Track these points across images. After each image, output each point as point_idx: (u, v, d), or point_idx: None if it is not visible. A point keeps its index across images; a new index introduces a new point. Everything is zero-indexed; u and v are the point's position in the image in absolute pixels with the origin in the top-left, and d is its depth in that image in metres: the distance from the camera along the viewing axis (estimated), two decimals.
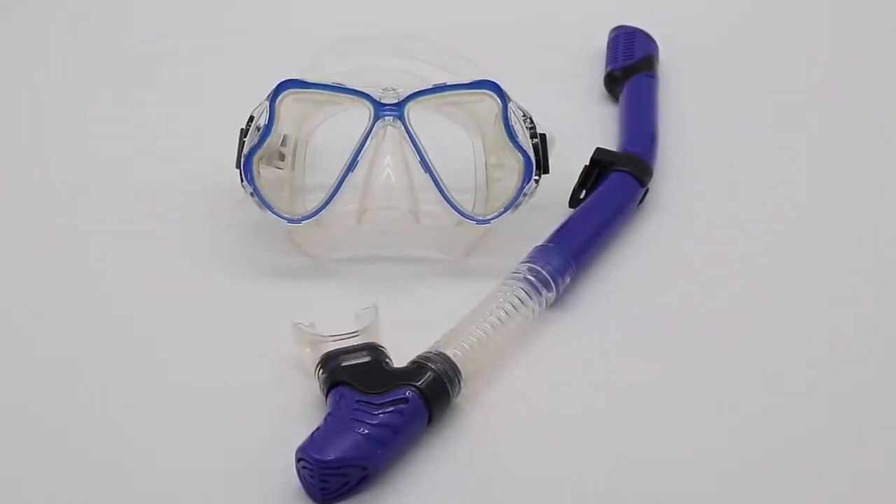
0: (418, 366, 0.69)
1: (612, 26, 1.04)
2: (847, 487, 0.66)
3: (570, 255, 0.77)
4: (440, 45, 0.90)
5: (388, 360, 0.70)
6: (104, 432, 0.69)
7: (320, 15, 1.08)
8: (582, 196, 0.84)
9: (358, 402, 0.67)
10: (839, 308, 0.78)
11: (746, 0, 1.12)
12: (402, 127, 0.77)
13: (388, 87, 0.78)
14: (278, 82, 0.78)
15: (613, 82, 0.98)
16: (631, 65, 0.98)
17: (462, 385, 0.70)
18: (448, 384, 0.69)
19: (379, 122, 0.77)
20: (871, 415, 0.71)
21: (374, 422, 0.66)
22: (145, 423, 0.70)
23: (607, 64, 1.01)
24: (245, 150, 0.78)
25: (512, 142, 0.78)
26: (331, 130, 0.83)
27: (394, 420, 0.66)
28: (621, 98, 0.96)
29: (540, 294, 0.75)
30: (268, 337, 0.74)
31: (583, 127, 0.95)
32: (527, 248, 0.78)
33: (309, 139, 0.84)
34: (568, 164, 0.84)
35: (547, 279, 0.76)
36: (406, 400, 0.67)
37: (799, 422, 0.70)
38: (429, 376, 0.68)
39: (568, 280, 0.77)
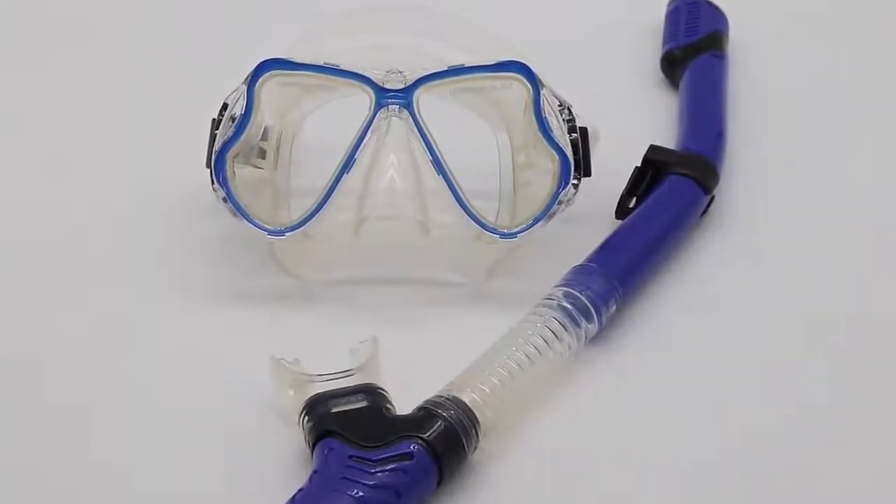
0: (426, 413, 0.69)
1: None
2: None
3: (616, 277, 0.77)
4: (459, 18, 0.90)
5: (389, 405, 0.70)
6: (52, 484, 0.70)
7: None
8: (631, 205, 0.84)
9: (351, 457, 0.66)
10: None
11: None
12: (410, 118, 0.77)
13: (394, 68, 0.78)
14: (259, 62, 0.77)
15: (672, 64, 0.98)
16: (694, 43, 0.98)
17: (480, 437, 0.70)
18: (463, 436, 0.69)
19: (381, 112, 0.77)
20: None
21: (371, 482, 0.66)
22: (90, 481, 0.70)
23: (665, 41, 1.01)
24: (217, 146, 0.78)
25: (545, 137, 0.77)
26: (322, 122, 0.83)
27: (395, 480, 0.66)
28: (682, 84, 0.96)
29: (578, 326, 0.75)
30: (242, 375, 0.74)
31: (634, 119, 0.95)
32: (562, 269, 0.78)
33: (295, 133, 0.84)
34: (614, 165, 0.84)
35: (587, 307, 0.75)
36: (411, 455, 0.67)
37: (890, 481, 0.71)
38: (439, 426, 0.68)
39: (613, 309, 0.77)
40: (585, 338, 0.75)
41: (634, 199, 0.84)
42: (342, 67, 0.77)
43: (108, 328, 0.79)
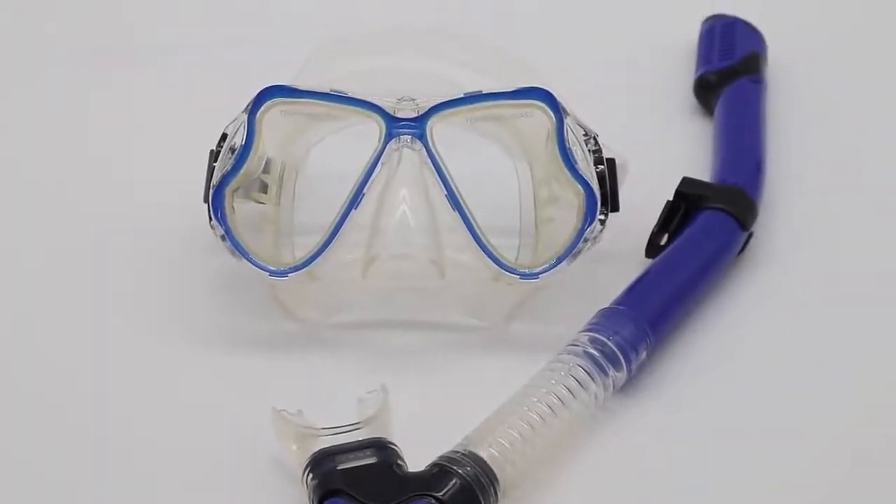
0: (441, 470, 0.69)
1: (706, 15, 1.04)
2: None
3: (647, 321, 0.77)
4: (477, 40, 0.90)
5: (400, 461, 0.70)
6: None
7: (323, 4, 1.10)
8: (663, 242, 0.84)
9: None
10: None
11: None
12: (423, 149, 0.77)
13: (406, 95, 0.78)
14: (260, 89, 0.77)
15: (707, 89, 0.99)
16: (730, 66, 0.98)
17: (499, 496, 0.69)
18: (480, 495, 0.68)
19: (392, 143, 0.77)
20: None
21: None
22: None
23: (699, 65, 1.01)
24: (215, 179, 0.78)
25: (569, 169, 0.77)
26: (329, 153, 0.83)
27: None
28: (717, 110, 0.96)
29: (606, 374, 0.74)
30: (241, 427, 0.74)
31: (665, 149, 0.95)
32: (588, 312, 0.78)
33: (300, 165, 0.84)
34: (644, 200, 0.84)
35: (615, 354, 0.75)
36: None
37: None
38: (454, 484, 0.68)
39: (643, 355, 0.77)
40: (614, 387, 0.75)
41: (666, 236, 0.84)
42: (350, 95, 0.77)
43: (97, 375, 0.79)
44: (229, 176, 0.77)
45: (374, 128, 0.77)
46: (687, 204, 0.84)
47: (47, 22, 1.09)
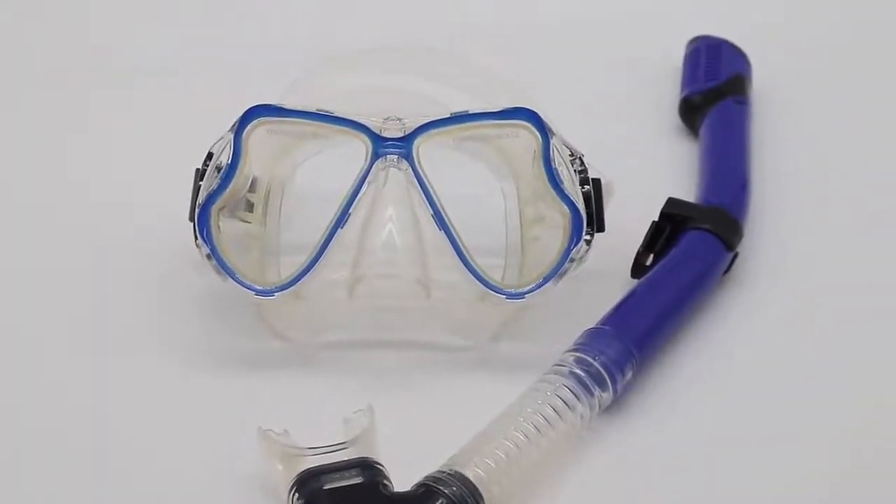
0: (427, 490, 0.68)
1: (691, 36, 1.04)
2: None
3: (633, 341, 0.77)
4: (464, 59, 0.91)
5: (386, 481, 0.69)
6: None
7: (312, 22, 1.11)
8: (648, 262, 0.84)
9: None
10: None
11: (866, 3, 1.13)
12: (410, 168, 0.77)
13: (392, 115, 0.78)
14: (246, 108, 0.77)
15: (692, 110, 0.99)
16: (715, 87, 0.99)
17: None
18: None
19: (379, 162, 0.77)
20: None
21: None
22: None
23: (684, 86, 1.01)
24: (201, 198, 0.78)
25: (555, 189, 0.77)
26: (315, 172, 0.83)
27: None
28: (702, 131, 0.97)
29: (591, 394, 0.74)
30: (226, 447, 0.74)
31: (650, 170, 0.95)
32: (574, 332, 0.78)
33: (286, 184, 0.84)
34: (630, 220, 0.84)
35: (601, 374, 0.75)
36: None
37: None
38: None
39: (629, 375, 0.77)
40: (599, 407, 0.75)
41: (652, 256, 0.84)
42: (336, 114, 0.77)
43: (80, 393, 0.79)
44: (215, 195, 0.77)
45: (360, 147, 0.77)
46: (672, 224, 0.84)
47: (27, 42, 1.10)
